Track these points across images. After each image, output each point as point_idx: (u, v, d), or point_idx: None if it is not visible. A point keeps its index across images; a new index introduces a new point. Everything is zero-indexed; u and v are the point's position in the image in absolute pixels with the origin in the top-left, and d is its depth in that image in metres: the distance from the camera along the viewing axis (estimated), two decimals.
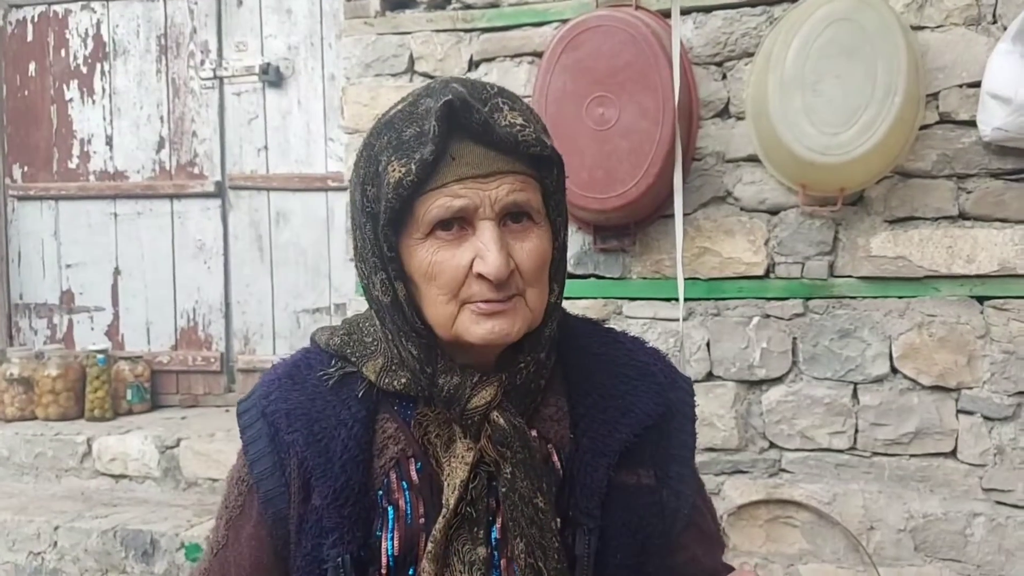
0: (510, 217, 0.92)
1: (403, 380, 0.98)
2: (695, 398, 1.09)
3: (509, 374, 0.96)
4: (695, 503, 1.07)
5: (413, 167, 0.88)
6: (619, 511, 0.97)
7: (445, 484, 0.94)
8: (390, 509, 0.96)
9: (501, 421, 0.93)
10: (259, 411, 1.02)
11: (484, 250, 0.89)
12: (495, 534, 0.95)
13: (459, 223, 0.91)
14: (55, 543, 2.99)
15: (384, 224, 0.92)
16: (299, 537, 0.96)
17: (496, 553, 0.95)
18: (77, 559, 2.97)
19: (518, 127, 0.91)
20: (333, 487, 0.94)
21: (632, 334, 1.13)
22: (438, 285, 0.92)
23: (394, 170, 0.89)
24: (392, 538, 0.95)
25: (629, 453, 0.98)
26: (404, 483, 0.96)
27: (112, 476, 3.35)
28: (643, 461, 1.00)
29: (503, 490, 0.93)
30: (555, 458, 0.99)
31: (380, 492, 0.96)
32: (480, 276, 0.90)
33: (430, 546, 0.92)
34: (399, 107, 0.95)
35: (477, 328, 0.92)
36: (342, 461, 0.95)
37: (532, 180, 0.94)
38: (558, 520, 0.96)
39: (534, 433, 0.99)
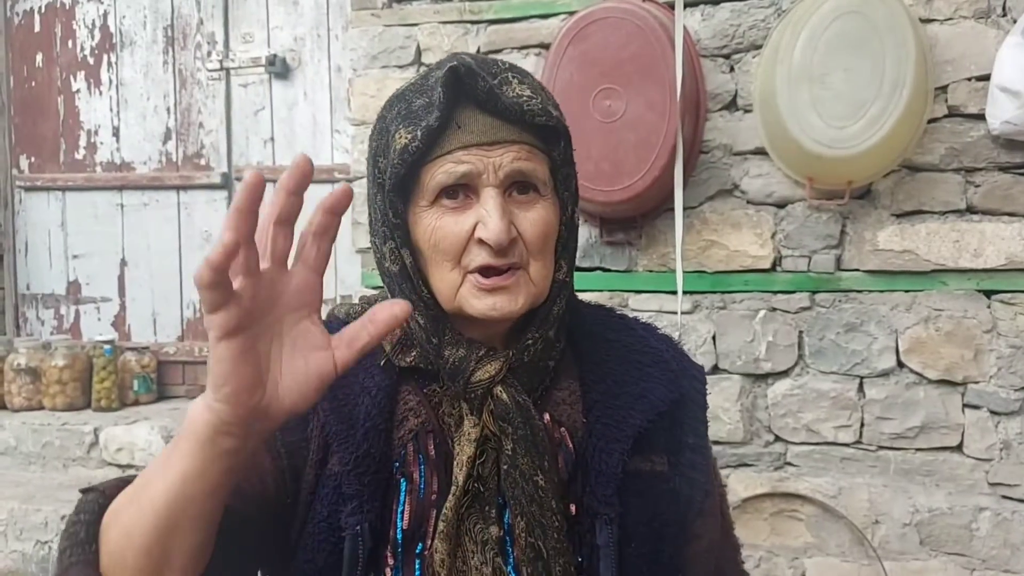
0: (516, 188, 0.93)
1: (412, 355, 0.98)
2: (706, 387, 1.08)
3: (516, 351, 0.95)
4: (709, 492, 1.06)
5: (419, 133, 0.89)
6: (634, 498, 0.96)
7: (455, 462, 0.93)
8: (402, 481, 0.94)
9: (504, 396, 0.93)
10: None
11: (486, 216, 0.89)
12: (508, 517, 0.94)
13: (464, 191, 0.91)
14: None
15: (390, 190, 0.92)
16: (312, 500, 0.94)
17: (508, 537, 0.94)
18: None
19: (525, 98, 0.91)
20: (355, 454, 0.93)
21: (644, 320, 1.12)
22: (441, 251, 0.92)
23: (401, 137, 0.91)
24: (403, 511, 0.93)
25: (642, 440, 0.97)
26: (421, 456, 0.95)
27: (119, 466, 3.36)
28: (656, 448, 0.99)
29: (504, 467, 0.92)
30: (568, 442, 0.98)
31: (396, 464, 0.95)
32: (481, 242, 0.90)
33: (441, 525, 0.91)
34: (411, 80, 0.97)
35: (479, 303, 0.92)
36: (364, 429, 0.94)
37: (538, 151, 0.93)
38: (572, 509, 0.95)
39: (547, 417, 0.98)
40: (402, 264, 0.95)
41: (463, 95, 0.91)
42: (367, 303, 1.06)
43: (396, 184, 0.92)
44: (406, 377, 0.99)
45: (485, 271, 0.92)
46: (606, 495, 0.94)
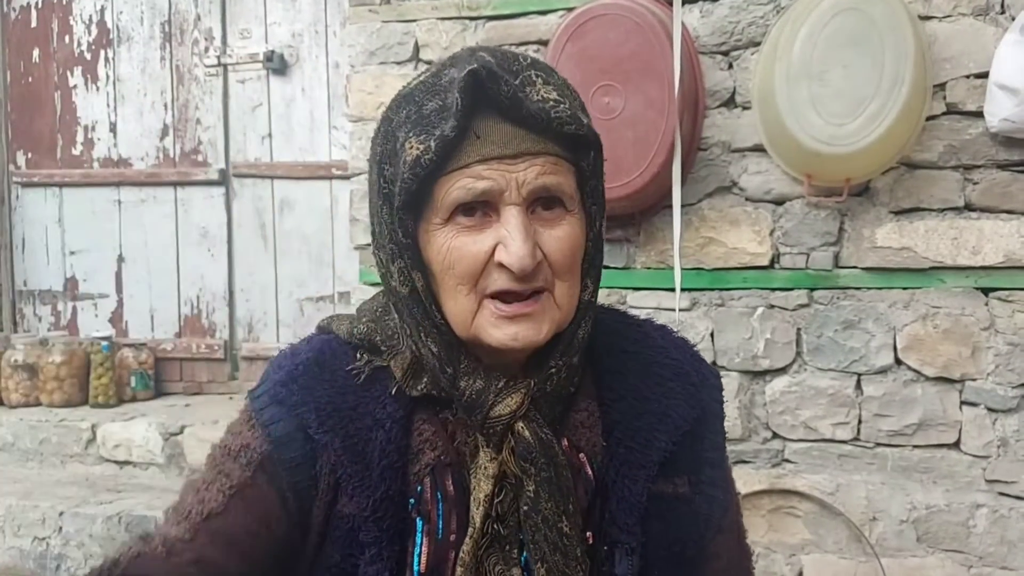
0: (540, 203, 0.83)
1: (424, 382, 0.89)
2: (723, 393, 1.01)
3: (538, 380, 0.86)
4: (727, 507, 1.00)
5: (432, 144, 0.79)
6: (656, 524, 0.89)
7: (472, 499, 0.86)
8: (419, 521, 0.86)
9: (526, 433, 0.84)
10: (275, 399, 0.90)
11: (508, 238, 0.80)
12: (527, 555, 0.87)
13: (482, 208, 0.82)
14: (60, 528, 3.00)
15: (399, 207, 0.83)
16: (322, 542, 0.87)
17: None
18: (82, 544, 2.98)
19: (551, 103, 0.81)
20: (372, 498, 0.84)
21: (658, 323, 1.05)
22: (456, 274, 0.82)
23: (412, 147, 0.80)
24: (419, 553, 0.86)
25: (665, 462, 0.91)
26: (439, 493, 0.87)
27: (116, 462, 3.37)
28: (679, 469, 0.92)
29: (525, 509, 0.84)
30: (588, 469, 0.90)
31: (412, 501, 0.87)
32: (502, 265, 0.81)
33: (460, 570, 0.84)
34: (421, 78, 0.86)
35: (498, 332, 0.83)
36: (380, 468, 0.85)
37: (565, 163, 0.84)
38: (588, 537, 0.88)
39: (565, 442, 0.90)
40: (412, 286, 0.86)
41: (483, 100, 0.80)
42: (372, 315, 0.95)
43: (407, 200, 0.82)
44: (419, 405, 0.90)
45: (505, 296, 0.82)
46: (628, 524, 0.88)
